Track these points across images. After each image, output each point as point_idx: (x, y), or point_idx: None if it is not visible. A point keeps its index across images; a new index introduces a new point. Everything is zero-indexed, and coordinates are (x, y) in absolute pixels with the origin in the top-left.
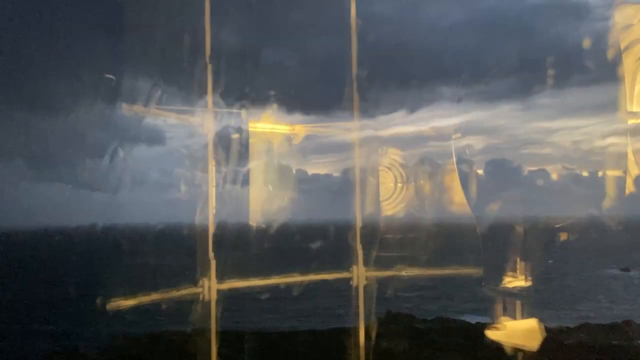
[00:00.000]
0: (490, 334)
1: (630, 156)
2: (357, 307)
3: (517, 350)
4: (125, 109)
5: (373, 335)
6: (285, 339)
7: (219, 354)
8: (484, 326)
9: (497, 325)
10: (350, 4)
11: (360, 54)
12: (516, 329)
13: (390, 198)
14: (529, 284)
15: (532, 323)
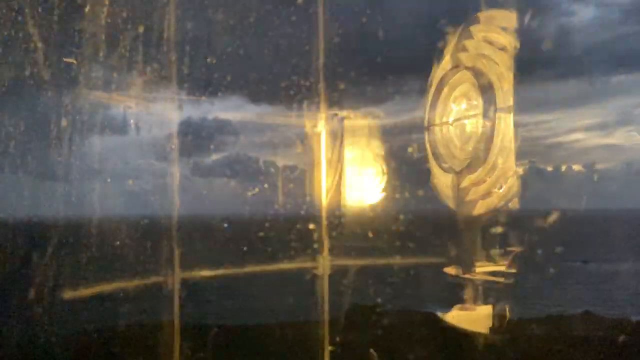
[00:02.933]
0: (454, 320)
1: None
2: (322, 297)
3: (481, 338)
4: (86, 96)
5: (338, 327)
6: (249, 331)
7: (182, 346)
8: (450, 317)
9: (461, 312)
10: None
11: (327, 43)
12: (479, 316)
13: (358, 189)
14: (494, 275)
15: (495, 310)
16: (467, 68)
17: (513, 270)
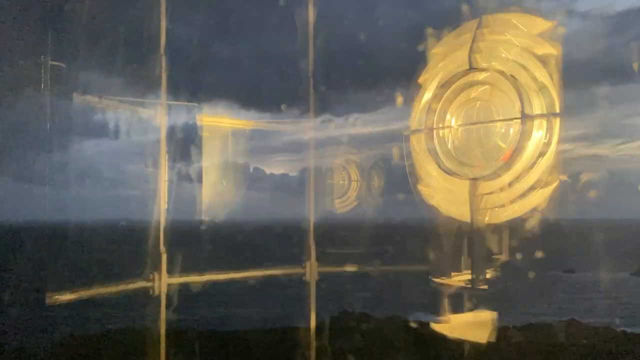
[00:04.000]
0: (437, 327)
1: None
2: (310, 303)
3: (466, 346)
4: (75, 100)
5: (325, 333)
6: (236, 338)
7: (168, 352)
8: (435, 324)
9: (444, 319)
10: (308, 1)
11: (317, 52)
12: (463, 323)
13: (345, 197)
14: (476, 283)
15: (479, 316)
16: (484, 70)
17: (500, 279)
